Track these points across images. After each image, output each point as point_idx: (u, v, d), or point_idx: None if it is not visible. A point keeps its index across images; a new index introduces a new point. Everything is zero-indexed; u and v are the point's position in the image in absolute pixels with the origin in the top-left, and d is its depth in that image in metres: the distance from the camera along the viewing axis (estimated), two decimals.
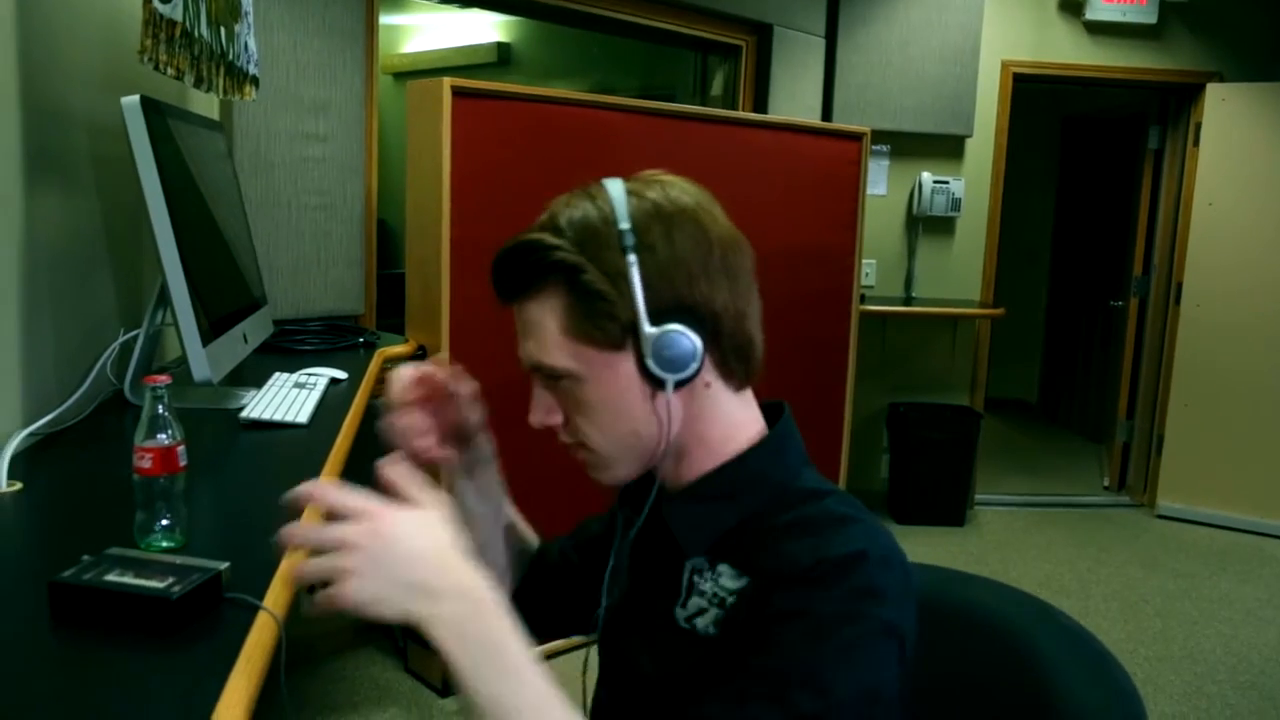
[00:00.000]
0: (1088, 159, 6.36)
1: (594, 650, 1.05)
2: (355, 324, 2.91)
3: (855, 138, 3.63)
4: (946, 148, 4.61)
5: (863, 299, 4.16)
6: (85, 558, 0.94)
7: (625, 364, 0.86)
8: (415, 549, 0.73)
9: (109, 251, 1.91)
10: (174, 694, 0.80)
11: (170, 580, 0.90)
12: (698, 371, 0.85)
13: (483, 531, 1.07)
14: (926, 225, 4.65)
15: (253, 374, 1.98)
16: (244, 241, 2.18)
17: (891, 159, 4.59)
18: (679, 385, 0.85)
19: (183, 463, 1.10)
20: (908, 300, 4.62)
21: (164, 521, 1.08)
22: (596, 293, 0.84)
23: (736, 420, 0.92)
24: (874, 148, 4.25)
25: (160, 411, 1.08)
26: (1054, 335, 6.82)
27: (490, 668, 0.73)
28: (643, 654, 0.93)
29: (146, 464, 1.07)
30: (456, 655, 0.73)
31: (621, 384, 0.86)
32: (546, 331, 0.86)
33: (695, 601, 0.89)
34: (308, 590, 0.75)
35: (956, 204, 4.56)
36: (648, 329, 0.84)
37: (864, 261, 4.21)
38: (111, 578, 0.90)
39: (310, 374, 2.02)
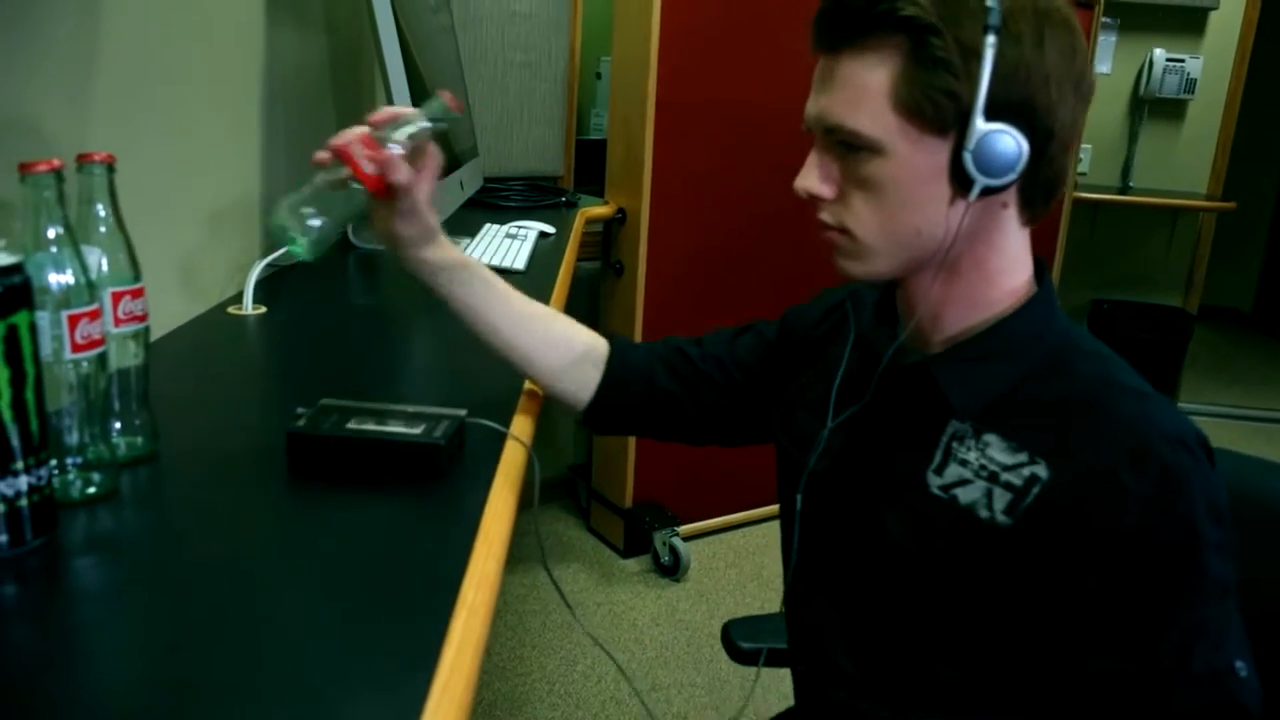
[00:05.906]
0: None
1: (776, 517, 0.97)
2: (555, 185, 2.90)
3: (1086, 5, 3.31)
4: (1185, 21, 4.17)
5: (1075, 185, 3.87)
6: (300, 409, 0.86)
7: (939, 153, 0.75)
8: None
9: (333, 90, 1.93)
10: (439, 522, 0.80)
11: (423, 427, 0.85)
12: (1007, 186, 0.75)
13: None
14: (1153, 108, 4.26)
15: (463, 225, 1.99)
16: (458, 90, 2.17)
17: (1119, 33, 4.19)
18: (985, 193, 0.75)
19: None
20: (1124, 189, 4.27)
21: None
22: (944, 62, 0.72)
23: (1016, 255, 0.82)
24: (1102, 20, 3.89)
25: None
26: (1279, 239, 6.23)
27: None
28: (887, 514, 0.86)
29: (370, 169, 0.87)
30: None
31: (925, 173, 0.76)
32: (866, 92, 0.75)
33: (955, 470, 0.81)
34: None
35: (1191, 85, 4.14)
36: (980, 122, 0.72)
37: (1080, 145, 3.90)
38: (354, 426, 0.84)
39: (520, 226, 2.01)
